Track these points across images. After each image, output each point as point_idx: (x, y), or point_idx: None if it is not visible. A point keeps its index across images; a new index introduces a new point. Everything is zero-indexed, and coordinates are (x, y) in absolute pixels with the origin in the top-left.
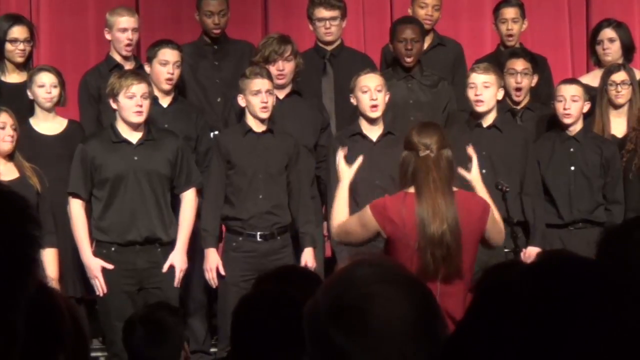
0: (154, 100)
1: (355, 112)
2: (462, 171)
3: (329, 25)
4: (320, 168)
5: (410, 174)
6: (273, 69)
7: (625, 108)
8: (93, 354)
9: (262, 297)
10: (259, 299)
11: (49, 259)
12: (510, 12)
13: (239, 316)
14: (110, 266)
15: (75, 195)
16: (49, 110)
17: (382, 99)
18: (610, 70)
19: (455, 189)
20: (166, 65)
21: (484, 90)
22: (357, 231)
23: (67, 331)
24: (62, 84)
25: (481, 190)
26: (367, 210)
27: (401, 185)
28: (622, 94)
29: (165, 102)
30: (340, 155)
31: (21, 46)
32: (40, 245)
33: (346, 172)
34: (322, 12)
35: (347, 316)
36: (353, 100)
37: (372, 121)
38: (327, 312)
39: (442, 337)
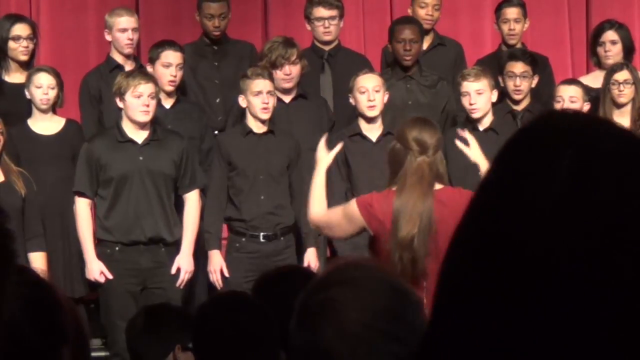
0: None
1: (355, 112)
2: (464, 147)
3: (327, 25)
4: None
5: (401, 175)
6: (280, 73)
7: (628, 107)
8: (93, 354)
9: (219, 302)
10: (216, 305)
11: (38, 262)
12: (512, 12)
13: (200, 323)
14: (110, 276)
15: (81, 194)
16: (45, 111)
17: (380, 99)
18: (613, 69)
19: (441, 186)
20: (169, 67)
21: (477, 98)
22: (342, 225)
23: (69, 324)
24: (60, 85)
25: (484, 165)
26: (354, 205)
27: (390, 182)
28: (625, 93)
29: (167, 103)
30: (322, 142)
31: (24, 43)
32: (12, 236)
33: (324, 158)
34: (321, 12)
35: (308, 321)
36: (352, 101)
37: (371, 121)
38: (295, 315)
39: (415, 335)
